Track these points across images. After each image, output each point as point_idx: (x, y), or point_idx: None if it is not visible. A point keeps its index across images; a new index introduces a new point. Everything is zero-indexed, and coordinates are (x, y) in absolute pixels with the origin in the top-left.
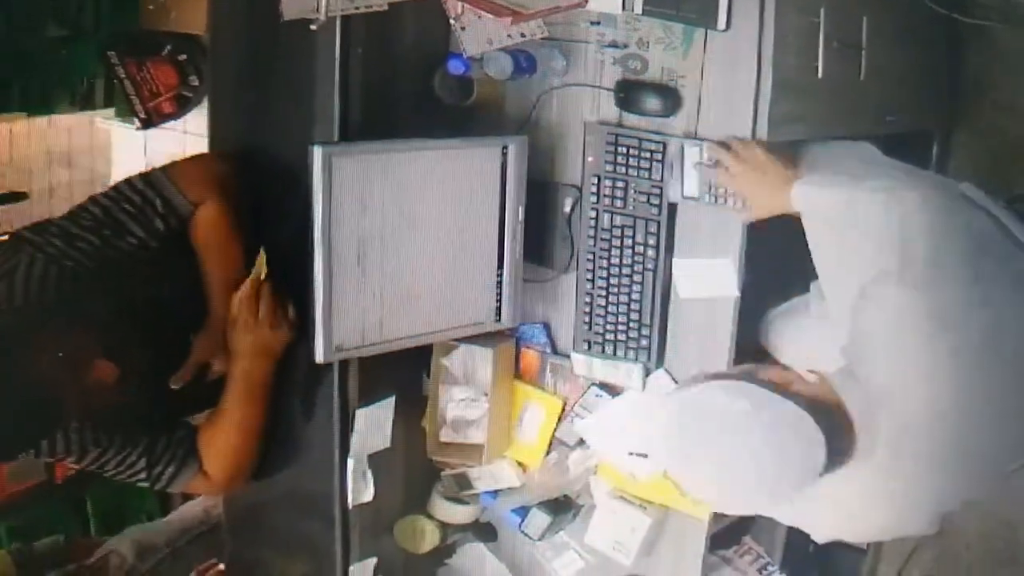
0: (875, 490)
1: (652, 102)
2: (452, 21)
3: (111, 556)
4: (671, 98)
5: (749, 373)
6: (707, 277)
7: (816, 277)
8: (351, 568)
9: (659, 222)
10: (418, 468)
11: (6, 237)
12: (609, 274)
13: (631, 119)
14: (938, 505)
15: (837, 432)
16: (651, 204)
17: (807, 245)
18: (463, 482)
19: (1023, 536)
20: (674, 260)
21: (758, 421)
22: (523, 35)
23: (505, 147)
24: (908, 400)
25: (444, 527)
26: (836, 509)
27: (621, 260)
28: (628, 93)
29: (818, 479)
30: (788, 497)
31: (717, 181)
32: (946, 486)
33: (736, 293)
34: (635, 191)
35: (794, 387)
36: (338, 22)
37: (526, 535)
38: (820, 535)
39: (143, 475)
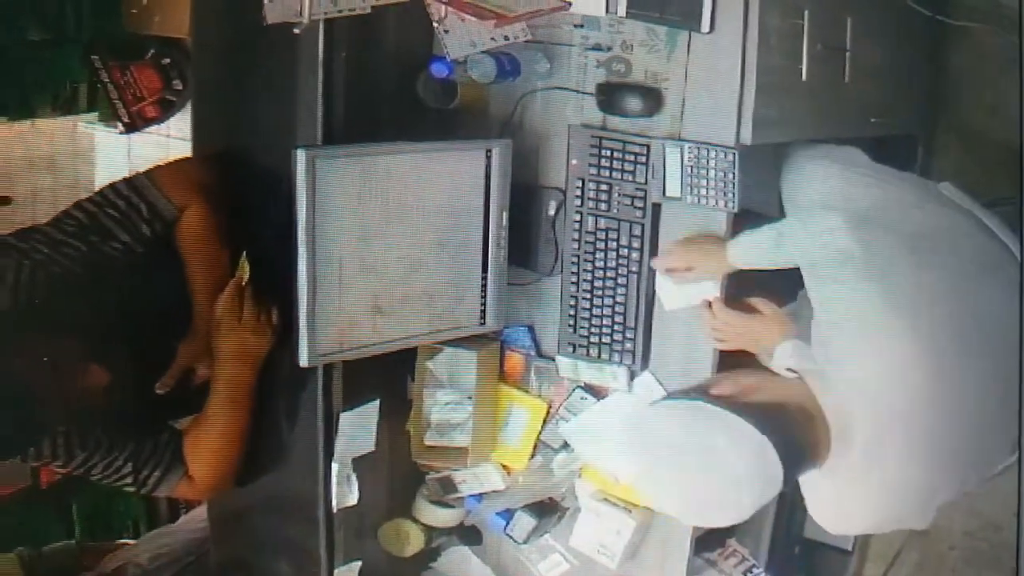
0: (859, 484)
1: (633, 103)
2: (435, 24)
3: (128, 567)
4: (652, 98)
5: (704, 390)
6: (686, 285)
7: (803, 286)
8: (336, 572)
9: (643, 224)
10: (403, 471)
11: None
12: (594, 277)
13: (615, 122)
14: (929, 496)
15: (805, 434)
16: (635, 207)
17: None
18: (448, 485)
19: (1008, 537)
20: (657, 274)
21: (712, 447)
22: (506, 38)
23: (489, 150)
24: (881, 393)
25: (429, 530)
26: (824, 505)
27: (606, 263)
28: (609, 96)
29: (776, 492)
30: (748, 508)
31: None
32: (933, 477)
33: (716, 294)
34: (619, 194)
35: (754, 396)
36: (321, 26)
37: (511, 538)
38: (827, 527)
39: (129, 480)
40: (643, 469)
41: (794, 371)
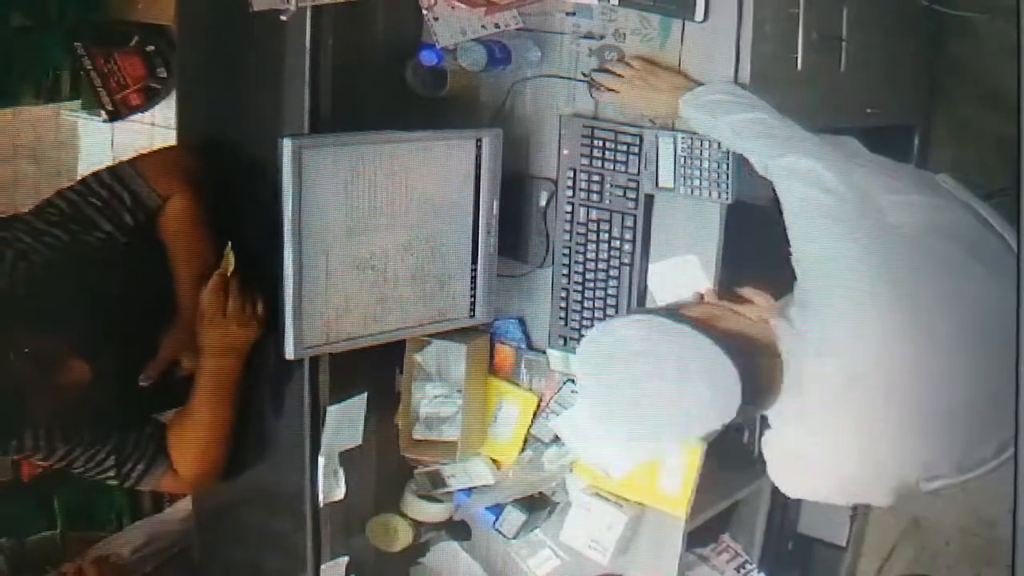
0: (815, 440)
1: None
2: (424, 11)
3: (110, 559)
4: None
5: (672, 311)
6: (678, 276)
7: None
8: (322, 567)
9: (636, 216)
10: (391, 466)
11: None
12: (585, 269)
13: (607, 111)
14: (890, 471)
15: (763, 367)
16: (627, 198)
17: (787, 248)
18: (436, 480)
19: (1002, 534)
20: (649, 267)
21: (656, 349)
22: (497, 26)
23: (479, 140)
24: (844, 343)
25: (417, 525)
26: (780, 462)
27: (597, 255)
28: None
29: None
30: (708, 429)
31: (605, 99)
32: (895, 452)
33: (708, 285)
34: (611, 184)
35: (720, 323)
36: (308, 12)
37: (500, 533)
38: (783, 487)
39: (112, 473)
40: (599, 384)
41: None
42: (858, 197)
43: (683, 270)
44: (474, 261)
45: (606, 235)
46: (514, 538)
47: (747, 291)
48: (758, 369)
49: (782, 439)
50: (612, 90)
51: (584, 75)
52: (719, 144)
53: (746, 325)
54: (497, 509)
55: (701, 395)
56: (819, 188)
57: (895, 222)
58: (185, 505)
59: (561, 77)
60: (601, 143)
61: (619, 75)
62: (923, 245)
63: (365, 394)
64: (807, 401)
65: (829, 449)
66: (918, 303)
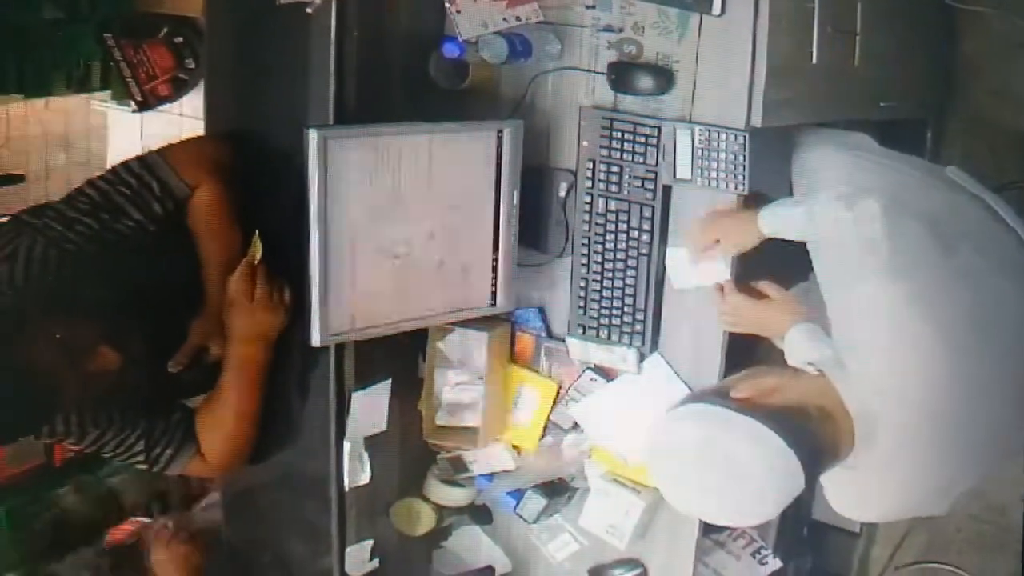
0: (883, 478)
1: (644, 81)
2: (447, 4)
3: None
4: (663, 76)
5: (723, 393)
6: (698, 265)
7: (811, 267)
8: (347, 550)
9: (654, 207)
10: (414, 451)
11: (5, 219)
12: (604, 259)
13: (626, 103)
14: (949, 486)
15: (826, 434)
16: (646, 188)
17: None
18: (459, 465)
19: (1013, 520)
20: (667, 250)
21: (713, 447)
22: (518, 19)
23: (500, 131)
24: (907, 391)
25: (440, 509)
26: (844, 495)
27: (616, 245)
28: (620, 74)
29: (797, 494)
30: (773, 511)
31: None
32: (954, 468)
33: (728, 277)
34: (630, 175)
35: (774, 399)
36: (333, 5)
37: (521, 518)
38: (851, 515)
39: (141, 457)
40: (666, 477)
41: (813, 365)
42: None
43: (703, 259)
44: (495, 251)
45: (624, 225)
46: (534, 522)
47: (762, 285)
48: (819, 437)
49: (851, 480)
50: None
51: (603, 72)
52: (735, 137)
53: (798, 391)
54: (518, 494)
55: (763, 493)
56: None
57: (928, 221)
58: (215, 498)
59: (581, 69)
60: (620, 135)
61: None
62: (941, 242)
63: (389, 380)
64: (878, 445)
65: (901, 482)
66: (958, 321)
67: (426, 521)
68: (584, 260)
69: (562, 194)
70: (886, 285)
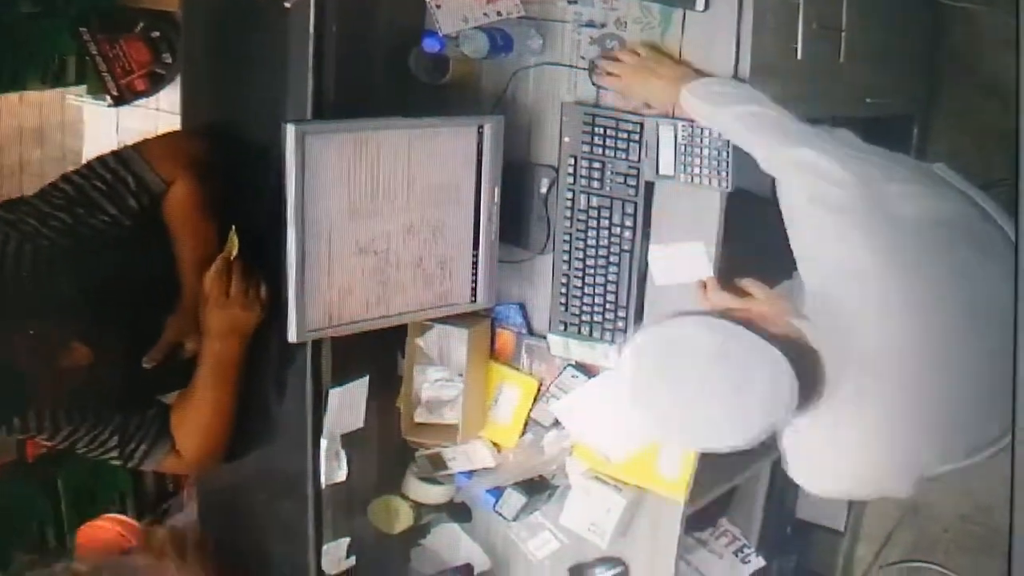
0: (838, 437)
1: None
2: None
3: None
4: None
5: (723, 311)
6: (680, 262)
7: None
8: (324, 547)
9: (636, 203)
10: (392, 448)
11: None
12: (585, 255)
13: (608, 99)
14: (909, 462)
15: (808, 375)
16: (628, 185)
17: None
18: (437, 462)
19: (1000, 521)
20: (649, 247)
21: (727, 354)
22: (499, 13)
23: (481, 126)
24: (870, 348)
25: (418, 507)
26: (801, 459)
27: (598, 241)
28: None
29: (788, 419)
30: (757, 434)
31: (607, 83)
32: (914, 443)
33: (710, 273)
34: (612, 172)
35: (770, 327)
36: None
37: (501, 515)
38: (807, 485)
39: (115, 453)
40: (645, 386)
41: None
42: (865, 188)
43: (686, 255)
44: (475, 247)
45: (607, 222)
46: (514, 520)
47: (746, 283)
48: (805, 373)
49: (808, 439)
50: (614, 75)
51: (584, 59)
52: (719, 133)
53: (788, 328)
54: (497, 492)
55: (761, 407)
56: (827, 180)
57: (899, 212)
58: None
59: (563, 65)
60: (602, 131)
61: (622, 61)
62: (927, 234)
63: (367, 377)
64: (835, 402)
65: (856, 448)
66: (928, 293)
67: (404, 519)
68: (566, 257)
69: (543, 190)
70: (855, 226)
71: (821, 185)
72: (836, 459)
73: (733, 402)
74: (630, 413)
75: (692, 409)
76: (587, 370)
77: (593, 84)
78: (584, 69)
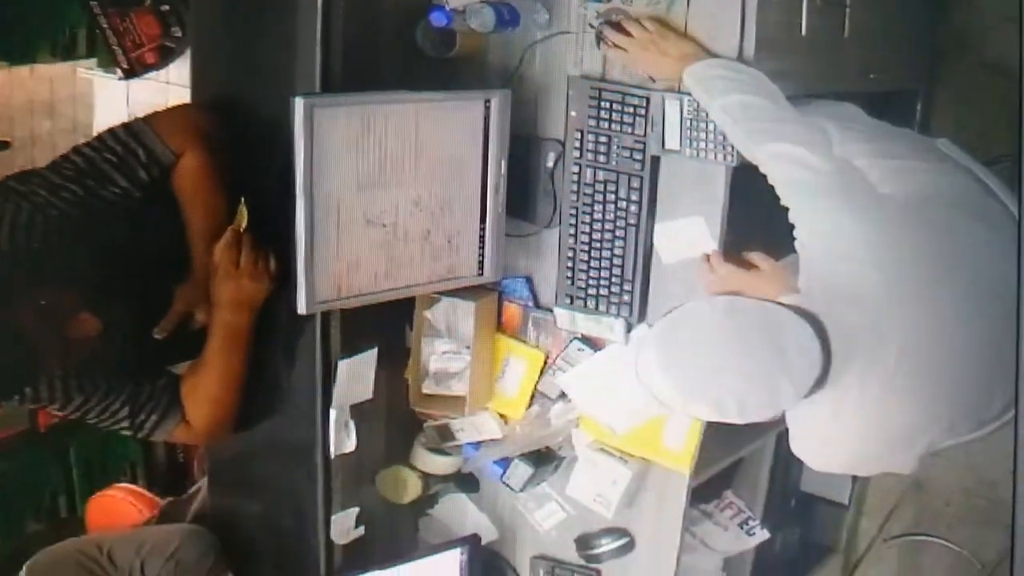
0: (843, 413)
1: None
2: None
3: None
4: None
5: (737, 293)
6: (684, 237)
7: None
8: (333, 518)
9: (642, 177)
10: (400, 419)
11: None
12: (592, 229)
13: (614, 72)
14: (912, 437)
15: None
16: (634, 159)
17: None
18: (445, 433)
19: (1003, 494)
20: (655, 226)
21: (752, 325)
22: None
23: (488, 100)
24: (870, 324)
25: (426, 478)
26: (806, 435)
27: (604, 215)
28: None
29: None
30: (785, 403)
31: (613, 56)
32: (917, 417)
33: (714, 247)
34: (618, 146)
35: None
36: None
37: (508, 486)
38: (809, 460)
39: (126, 423)
40: (671, 366)
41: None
42: (842, 172)
43: (689, 231)
44: (483, 220)
45: (612, 196)
46: (521, 491)
47: (752, 256)
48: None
49: (811, 414)
50: (620, 48)
51: (592, 26)
52: None
53: (794, 299)
54: (504, 463)
55: (797, 375)
56: (801, 167)
57: (888, 191)
58: None
59: (569, 33)
60: (608, 105)
61: (630, 34)
62: (921, 210)
63: (376, 349)
64: (839, 378)
65: (859, 424)
66: (928, 269)
67: (412, 489)
68: (572, 230)
69: (550, 164)
70: (834, 209)
71: (796, 172)
72: (839, 435)
73: (763, 371)
74: (637, 386)
75: (722, 379)
76: (593, 343)
77: (599, 50)
78: (592, 32)
